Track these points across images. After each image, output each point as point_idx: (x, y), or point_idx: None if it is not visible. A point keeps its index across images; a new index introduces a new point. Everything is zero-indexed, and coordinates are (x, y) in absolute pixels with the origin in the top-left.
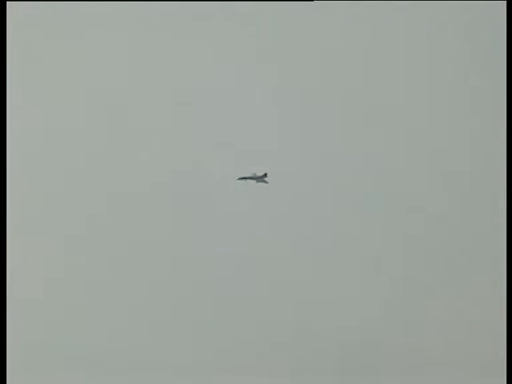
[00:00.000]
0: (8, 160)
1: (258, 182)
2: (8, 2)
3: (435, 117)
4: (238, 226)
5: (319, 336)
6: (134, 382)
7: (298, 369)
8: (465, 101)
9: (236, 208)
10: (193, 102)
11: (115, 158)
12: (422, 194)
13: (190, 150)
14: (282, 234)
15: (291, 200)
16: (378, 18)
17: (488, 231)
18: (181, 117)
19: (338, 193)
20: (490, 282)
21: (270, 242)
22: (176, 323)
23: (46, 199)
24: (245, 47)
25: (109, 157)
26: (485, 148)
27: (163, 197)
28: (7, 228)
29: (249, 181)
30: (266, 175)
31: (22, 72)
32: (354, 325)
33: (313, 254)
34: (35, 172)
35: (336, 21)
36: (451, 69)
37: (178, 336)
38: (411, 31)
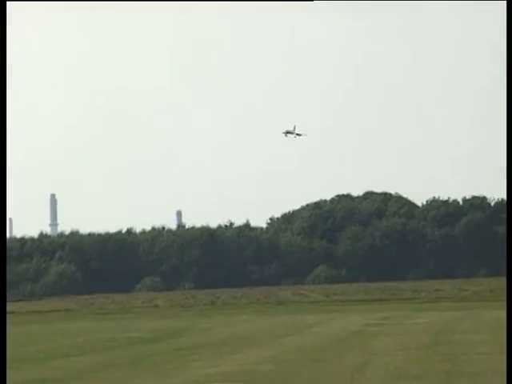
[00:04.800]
0: None
1: (296, 135)
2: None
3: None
4: None
5: None
6: None
7: None
8: (465, 98)
9: None
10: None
11: None
12: None
13: None
14: None
15: None
16: (380, 18)
17: None
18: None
19: None
20: None
21: None
22: None
23: None
24: None
25: None
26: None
27: None
28: None
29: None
30: (295, 127)
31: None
32: None
33: None
34: None
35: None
36: (451, 68)
37: None
38: (412, 31)
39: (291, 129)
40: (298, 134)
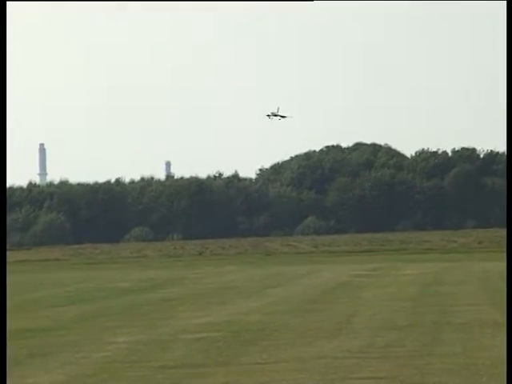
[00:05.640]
0: None
1: (280, 117)
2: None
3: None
4: None
5: None
6: None
7: None
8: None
9: None
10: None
11: None
12: None
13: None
14: None
15: None
16: (383, 17)
17: None
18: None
19: None
20: None
21: None
22: None
23: None
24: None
25: None
26: None
27: None
28: None
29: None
30: (278, 109)
31: None
32: None
33: None
34: None
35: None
36: (452, 68)
37: None
38: (413, 31)
39: (275, 111)
40: (282, 116)
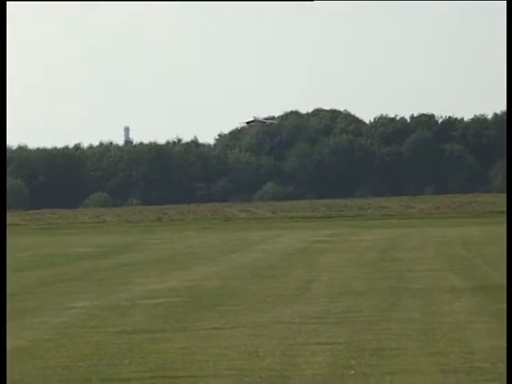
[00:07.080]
0: None
1: (262, 123)
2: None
3: None
4: None
5: None
6: None
7: None
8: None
9: None
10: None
11: None
12: None
13: None
14: None
15: None
16: (385, 18)
17: None
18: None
19: None
20: None
21: None
22: None
23: None
24: None
25: None
26: None
27: None
28: None
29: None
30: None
31: None
32: None
33: None
34: None
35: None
36: (452, 67)
37: None
38: (414, 31)
39: (253, 118)
40: (263, 122)
